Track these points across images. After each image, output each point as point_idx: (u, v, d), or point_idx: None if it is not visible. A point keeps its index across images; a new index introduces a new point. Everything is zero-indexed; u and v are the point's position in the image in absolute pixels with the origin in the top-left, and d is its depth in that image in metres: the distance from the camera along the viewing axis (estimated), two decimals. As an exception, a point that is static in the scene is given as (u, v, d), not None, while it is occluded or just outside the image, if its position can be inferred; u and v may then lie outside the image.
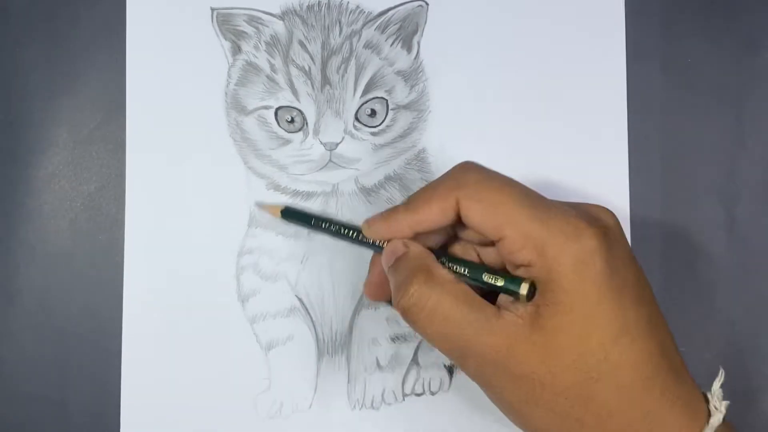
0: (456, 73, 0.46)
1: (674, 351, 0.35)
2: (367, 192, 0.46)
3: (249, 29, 0.45)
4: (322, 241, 0.45)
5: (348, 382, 0.45)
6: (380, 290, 0.40)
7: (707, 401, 0.35)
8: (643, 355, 0.33)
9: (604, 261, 0.33)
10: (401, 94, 0.45)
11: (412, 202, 0.38)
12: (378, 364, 0.45)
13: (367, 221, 0.39)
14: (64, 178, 0.46)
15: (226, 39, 0.45)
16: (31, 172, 0.46)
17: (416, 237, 0.38)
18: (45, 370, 0.45)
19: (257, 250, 0.45)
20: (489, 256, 0.39)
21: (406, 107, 0.46)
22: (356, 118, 0.45)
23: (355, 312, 0.46)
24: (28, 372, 0.45)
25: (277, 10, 0.46)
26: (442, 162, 0.46)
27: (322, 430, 0.45)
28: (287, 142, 0.45)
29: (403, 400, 0.45)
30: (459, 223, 0.37)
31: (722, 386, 0.35)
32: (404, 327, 0.45)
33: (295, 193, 0.45)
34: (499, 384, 0.35)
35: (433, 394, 0.45)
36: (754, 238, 0.46)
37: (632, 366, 0.33)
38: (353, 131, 0.45)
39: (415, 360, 0.46)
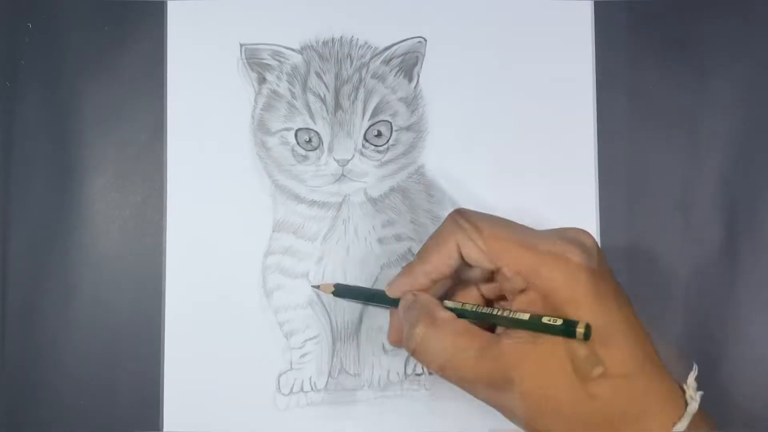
0: (450, 99, 0.50)
1: (652, 349, 0.37)
2: (374, 201, 0.49)
3: (272, 62, 0.49)
4: (336, 244, 0.49)
5: (358, 364, 0.49)
6: (399, 336, 0.42)
7: (683, 392, 0.36)
8: (626, 353, 0.35)
9: (589, 274, 0.36)
10: (403, 117, 0.49)
11: (421, 254, 0.41)
12: (383, 349, 0.49)
13: (388, 286, 0.42)
14: (115, 190, 0.49)
15: (252, 70, 0.49)
16: (86, 185, 0.49)
17: (433, 285, 0.41)
18: (97, 356, 0.48)
19: (280, 251, 0.49)
20: (491, 292, 0.42)
21: (407, 129, 0.49)
22: (365, 138, 0.49)
23: (364, 304, 0.49)
24: (82, 357, 0.48)
25: (296, 45, 0.49)
26: (438, 175, 0.50)
27: (335, 405, 0.48)
28: (306, 158, 0.49)
29: (405, 379, 0.48)
30: (463, 265, 0.40)
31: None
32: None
33: (313, 203, 0.49)
34: (509, 403, 0.36)
35: (430, 374, 0.48)
36: (706, 242, 0.49)
37: (617, 364, 0.35)
38: (362, 149, 0.49)
39: (415, 346, 0.49)
